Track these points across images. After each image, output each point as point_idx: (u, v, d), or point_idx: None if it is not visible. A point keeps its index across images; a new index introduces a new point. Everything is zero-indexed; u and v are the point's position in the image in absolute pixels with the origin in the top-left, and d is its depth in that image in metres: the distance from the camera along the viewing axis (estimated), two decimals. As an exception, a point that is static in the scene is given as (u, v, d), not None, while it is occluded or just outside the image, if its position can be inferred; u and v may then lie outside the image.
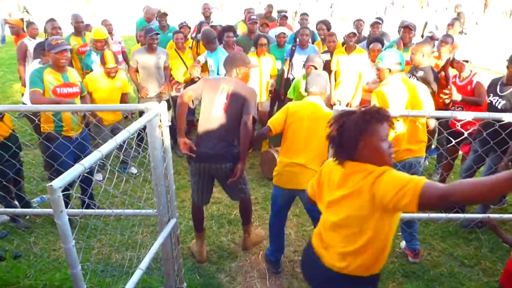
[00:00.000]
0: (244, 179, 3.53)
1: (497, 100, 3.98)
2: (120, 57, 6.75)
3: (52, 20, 5.71)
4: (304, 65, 5.15)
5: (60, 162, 3.50)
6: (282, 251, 3.66)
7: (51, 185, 1.53)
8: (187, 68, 6.06)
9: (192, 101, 3.43)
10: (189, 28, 6.70)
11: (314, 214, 3.09)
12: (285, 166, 3.31)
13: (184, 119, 3.48)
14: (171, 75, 5.99)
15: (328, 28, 6.49)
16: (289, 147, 3.31)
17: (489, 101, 4.08)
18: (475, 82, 4.44)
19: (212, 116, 3.31)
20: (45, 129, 3.97)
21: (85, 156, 1.77)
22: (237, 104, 3.29)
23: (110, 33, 6.63)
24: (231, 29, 6.04)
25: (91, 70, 5.59)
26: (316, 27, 6.70)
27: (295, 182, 3.27)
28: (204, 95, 3.37)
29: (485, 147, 3.71)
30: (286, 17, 7.56)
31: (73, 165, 1.67)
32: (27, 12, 14.54)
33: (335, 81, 5.79)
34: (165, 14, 7.13)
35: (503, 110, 3.85)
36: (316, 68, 4.61)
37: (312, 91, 3.36)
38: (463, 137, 3.85)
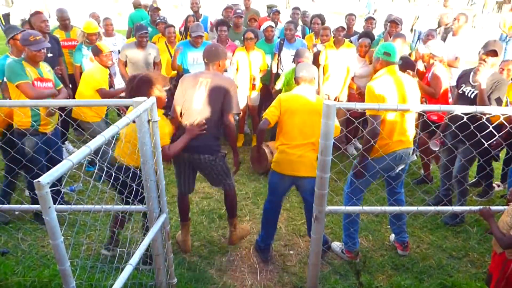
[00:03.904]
0: (227, 173, 3.59)
1: (470, 90, 4.02)
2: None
3: (38, 13, 5.61)
4: (293, 60, 5.14)
5: (34, 160, 3.60)
6: (272, 238, 3.75)
7: (38, 181, 1.51)
8: None
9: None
10: (165, 23, 6.45)
11: (309, 204, 3.11)
12: (283, 154, 3.43)
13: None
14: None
15: (323, 22, 6.49)
16: (286, 138, 3.42)
17: (461, 92, 4.11)
18: (431, 74, 4.57)
19: (193, 109, 3.41)
20: (22, 124, 3.86)
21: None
22: (217, 96, 3.39)
23: (110, 34, 6.46)
24: (224, 23, 5.99)
25: (80, 65, 5.53)
26: (311, 21, 6.72)
27: (292, 169, 3.41)
28: (185, 93, 3.47)
29: (454, 140, 3.66)
30: (278, 12, 7.40)
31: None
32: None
33: (324, 75, 5.80)
34: (157, 9, 7.07)
35: (475, 100, 3.90)
36: None
37: (302, 75, 3.46)
38: (432, 128, 3.99)
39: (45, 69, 4.06)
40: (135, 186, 2.62)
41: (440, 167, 4.47)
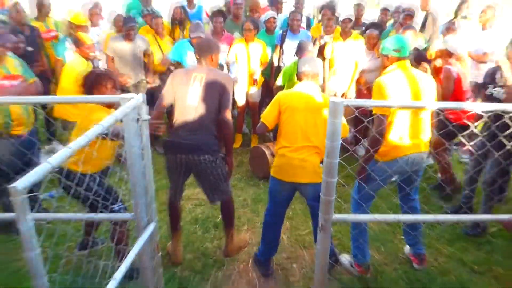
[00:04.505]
0: (225, 177, 3.60)
1: (498, 91, 4.00)
2: None
3: (16, 4, 5.62)
4: (296, 53, 5.14)
5: (7, 166, 3.58)
6: (274, 252, 3.72)
7: (14, 186, 1.49)
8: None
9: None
10: (151, 15, 6.49)
11: (315, 211, 3.09)
12: (284, 159, 3.39)
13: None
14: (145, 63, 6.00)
15: (333, 13, 6.51)
16: (286, 140, 3.39)
17: (488, 93, 4.10)
18: (444, 74, 4.63)
19: (187, 105, 3.41)
20: None
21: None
22: (214, 92, 3.41)
23: (95, 24, 6.42)
24: (221, 13, 6.01)
25: (62, 59, 5.51)
26: (320, 12, 6.74)
27: (292, 174, 3.37)
28: (177, 89, 3.48)
29: (483, 147, 3.73)
30: (283, 1, 7.42)
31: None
32: None
33: (330, 69, 5.79)
34: None
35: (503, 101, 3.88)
36: None
37: (305, 70, 3.45)
38: (449, 128, 3.95)
39: (14, 63, 3.97)
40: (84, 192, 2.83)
41: (464, 172, 4.50)
